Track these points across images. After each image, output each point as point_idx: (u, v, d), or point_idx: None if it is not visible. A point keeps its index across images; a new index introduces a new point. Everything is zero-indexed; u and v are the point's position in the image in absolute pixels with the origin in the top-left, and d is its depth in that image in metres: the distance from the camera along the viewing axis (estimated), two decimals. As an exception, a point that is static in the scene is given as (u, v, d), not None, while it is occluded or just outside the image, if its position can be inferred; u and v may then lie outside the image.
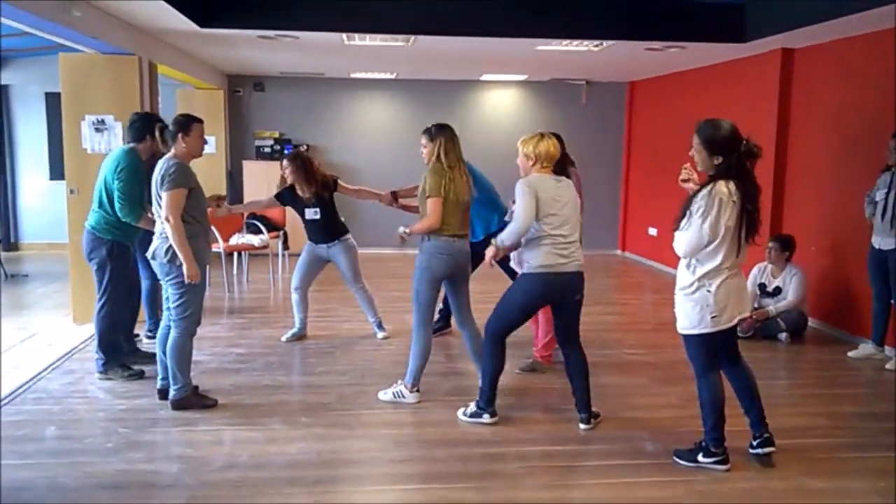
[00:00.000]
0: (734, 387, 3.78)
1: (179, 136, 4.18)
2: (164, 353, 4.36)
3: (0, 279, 8.18)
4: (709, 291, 3.45)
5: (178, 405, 4.31)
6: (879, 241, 5.42)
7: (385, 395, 4.58)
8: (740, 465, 3.75)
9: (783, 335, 6.10)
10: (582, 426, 4.19)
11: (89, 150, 6.20)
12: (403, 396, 4.52)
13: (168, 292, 4.25)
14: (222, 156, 10.11)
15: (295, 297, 5.90)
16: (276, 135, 10.49)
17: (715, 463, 3.66)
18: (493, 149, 10.60)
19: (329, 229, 5.75)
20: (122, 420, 4.20)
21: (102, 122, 6.19)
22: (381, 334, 6.01)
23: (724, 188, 3.35)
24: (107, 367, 4.82)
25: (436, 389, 4.69)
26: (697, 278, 3.47)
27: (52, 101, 9.38)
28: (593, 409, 4.24)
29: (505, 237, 4.01)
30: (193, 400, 4.37)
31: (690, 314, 3.53)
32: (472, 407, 4.27)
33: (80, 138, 6.20)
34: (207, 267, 4.34)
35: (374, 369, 5.23)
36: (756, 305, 6.30)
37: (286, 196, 5.76)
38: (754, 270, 6.44)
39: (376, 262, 9.05)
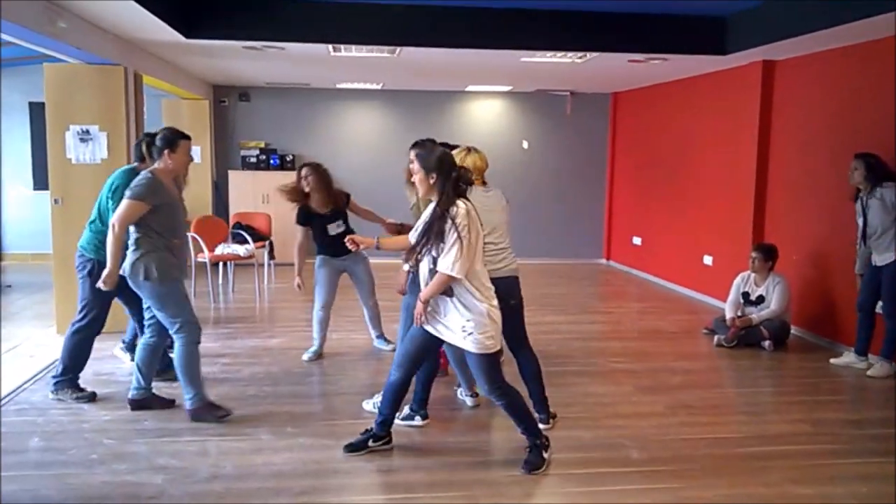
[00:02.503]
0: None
1: (165, 152, 4.15)
2: (141, 361, 4.41)
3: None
4: (496, 308, 3.62)
5: (194, 416, 4.31)
6: (875, 258, 5.47)
7: (367, 404, 4.58)
8: (725, 470, 3.79)
9: (766, 343, 6.15)
10: (542, 426, 4.23)
11: (74, 161, 6.18)
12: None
13: (152, 310, 4.27)
14: (208, 166, 10.11)
15: (322, 315, 5.69)
16: (262, 145, 10.49)
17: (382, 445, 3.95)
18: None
19: None
20: (106, 431, 4.17)
21: (87, 132, 6.17)
22: (387, 347, 5.87)
23: (463, 204, 3.55)
24: (59, 386, 4.66)
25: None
26: (484, 298, 3.58)
27: (37, 110, 9.34)
28: (551, 409, 4.32)
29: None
30: (207, 410, 4.34)
31: (495, 333, 3.62)
32: (406, 410, 4.32)
33: (65, 148, 6.17)
34: (181, 281, 4.30)
35: (360, 379, 5.23)
36: (739, 314, 6.36)
37: (305, 216, 5.56)
38: (737, 279, 6.50)
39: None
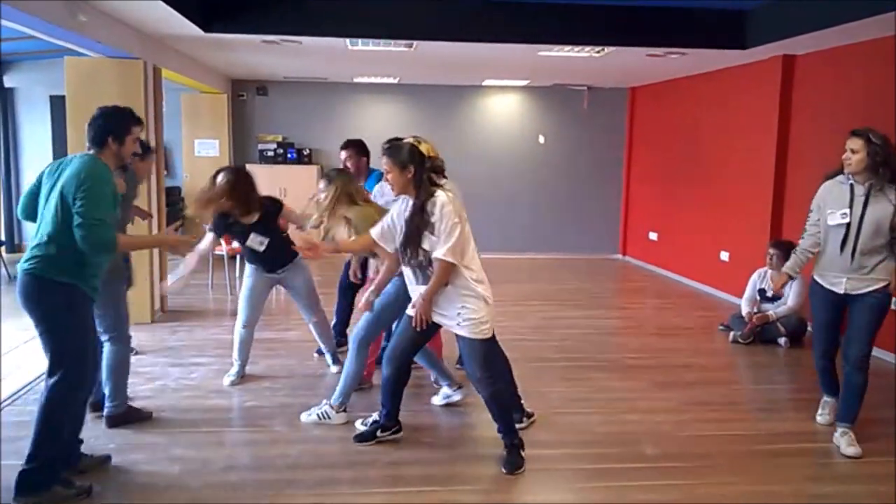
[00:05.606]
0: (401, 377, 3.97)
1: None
2: (116, 374, 4.10)
3: (2, 280, 8.21)
4: (484, 292, 3.62)
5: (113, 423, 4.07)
6: (847, 284, 3.99)
7: (309, 416, 4.28)
8: (741, 467, 3.78)
9: (783, 340, 6.12)
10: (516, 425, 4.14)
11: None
12: (329, 417, 4.23)
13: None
14: (225, 160, 10.14)
15: (244, 333, 4.97)
16: (279, 139, 10.53)
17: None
18: (494, 154, 10.66)
19: (282, 253, 4.92)
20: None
21: (106, 125, 6.20)
22: (334, 368, 5.20)
23: (444, 194, 3.54)
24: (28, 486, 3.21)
25: (431, 392, 4.69)
26: (478, 282, 3.59)
27: (57, 104, 9.42)
28: (527, 409, 4.26)
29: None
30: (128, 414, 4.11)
31: (490, 317, 3.62)
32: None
33: (84, 141, 6.21)
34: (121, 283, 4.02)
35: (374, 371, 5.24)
36: (756, 310, 6.32)
37: (219, 224, 4.73)
38: (754, 276, 6.46)
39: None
